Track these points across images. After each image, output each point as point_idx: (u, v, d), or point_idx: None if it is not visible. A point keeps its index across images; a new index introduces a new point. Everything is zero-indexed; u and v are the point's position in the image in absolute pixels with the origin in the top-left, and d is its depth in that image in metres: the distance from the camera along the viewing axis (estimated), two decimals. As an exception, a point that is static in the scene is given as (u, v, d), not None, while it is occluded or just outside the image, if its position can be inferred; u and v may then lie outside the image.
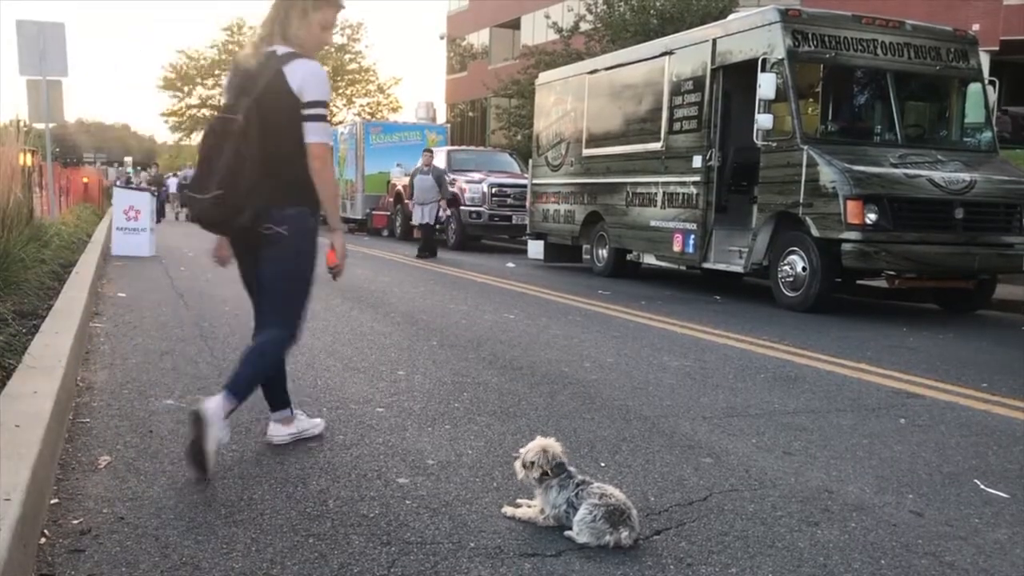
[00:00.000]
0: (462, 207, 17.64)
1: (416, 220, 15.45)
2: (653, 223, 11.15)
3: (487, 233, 18.52)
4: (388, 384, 4.93)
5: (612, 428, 4.16)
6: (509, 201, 17.44)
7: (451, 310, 8.29)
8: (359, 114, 45.62)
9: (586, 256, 12.76)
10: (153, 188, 20.94)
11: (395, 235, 20.72)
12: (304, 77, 3.29)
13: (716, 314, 8.64)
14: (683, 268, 11.95)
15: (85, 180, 28.62)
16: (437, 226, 15.85)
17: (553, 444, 2.97)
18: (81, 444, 3.58)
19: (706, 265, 10.37)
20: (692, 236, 10.41)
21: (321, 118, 3.33)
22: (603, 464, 3.59)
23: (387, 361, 5.59)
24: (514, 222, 17.18)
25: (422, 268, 13.23)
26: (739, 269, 9.89)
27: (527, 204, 15.01)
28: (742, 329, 7.48)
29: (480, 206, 17.48)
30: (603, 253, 12.57)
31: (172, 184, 33.49)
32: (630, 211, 11.69)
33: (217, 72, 48.01)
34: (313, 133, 3.33)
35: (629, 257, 12.15)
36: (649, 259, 11.76)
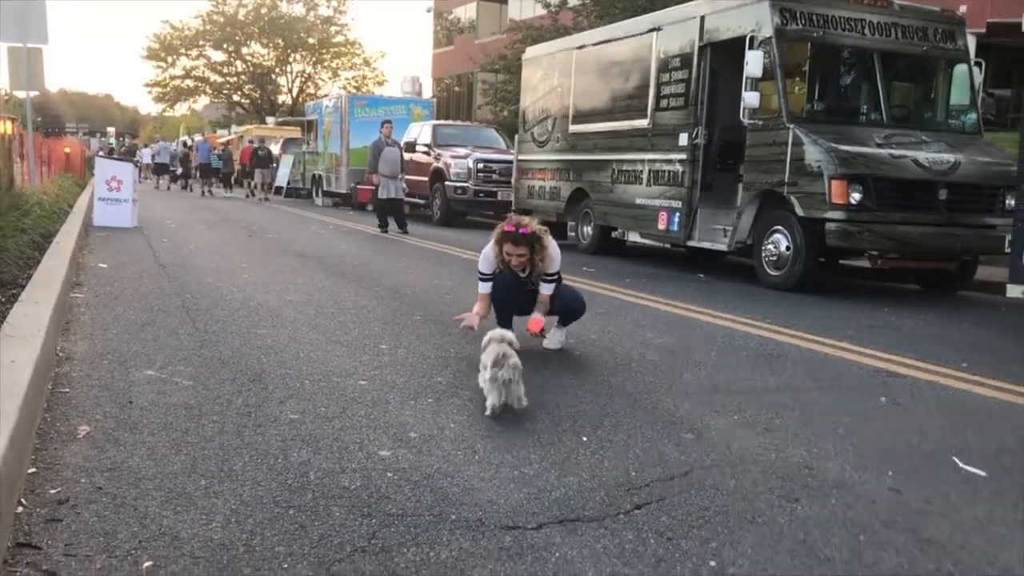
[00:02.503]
0: (447, 182, 17.52)
1: (384, 194, 15.19)
2: (638, 200, 11.14)
3: (472, 209, 18.42)
4: (371, 358, 4.91)
5: (595, 403, 4.16)
6: (494, 177, 17.33)
7: (435, 285, 8.26)
8: (344, 87, 45.30)
9: (571, 233, 12.72)
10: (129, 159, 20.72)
11: None
12: None
13: (700, 292, 8.65)
14: (668, 246, 11.94)
15: (67, 150, 28.33)
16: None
17: (514, 356, 3.83)
18: (60, 414, 3.55)
19: (691, 243, 10.37)
20: (677, 214, 10.41)
21: None
22: (585, 439, 3.59)
23: (370, 335, 5.58)
24: (499, 198, 17.05)
25: (407, 243, 13.17)
26: (723, 247, 9.89)
27: (512, 180, 14.97)
28: (726, 307, 7.49)
29: (465, 181, 17.36)
30: (588, 230, 12.54)
31: (146, 155, 33.20)
32: (616, 188, 11.67)
33: (201, 43, 47.52)
34: None
35: (614, 235, 12.14)
36: (634, 237, 11.76)
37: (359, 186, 22.42)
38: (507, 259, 4.90)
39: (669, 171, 10.56)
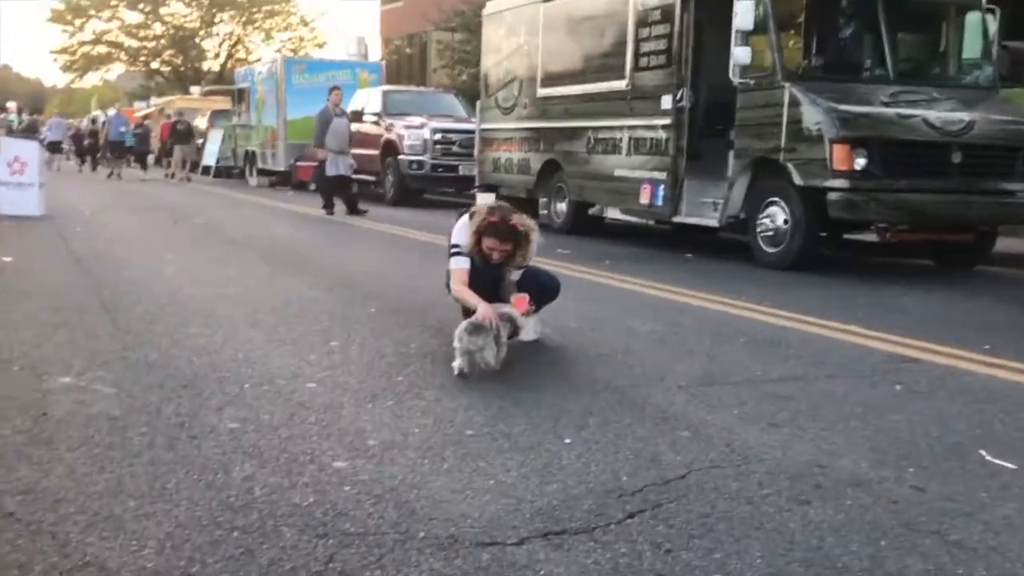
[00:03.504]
0: (400, 156, 17.44)
1: (331, 171, 15.01)
2: (618, 172, 11.17)
3: (430, 186, 18.36)
4: (320, 357, 4.89)
5: (577, 401, 4.16)
6: (454, 149, 17.28)
7: (391, 272, 8.23)
8: (279, 51, 44.96)
9: (543, 211, 12.73)
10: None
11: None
12: None
13: (689, 273, 8.66)
14: (651, 223, 11.98)
15: (-42, 129, 27.86)
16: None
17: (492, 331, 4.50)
18: (-38, 430, 3.48)
19: (677, 219, 10.41)
20: (661, 187, 10.44)
21: None
22: (568, 440, 3.59)
23: (318, 331, 5.56)
24: (460, 173, 17.01)
25: (356, 227, 13.14)
26: (713, 223, 9.94)
27: (475, 152, 14.91)
28: (718, 289, 7.54)
29: (421, 155, 17.29)
30: (562, 207, 12.58)
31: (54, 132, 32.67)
32: (592, 159, 11.68)
33: (114, 2, 46.88)
34: None
35: (591, 211, 12.13)
36: (613, 213, 11.74)
37: (299, 163, 22.24)
38: (485, 252, 4.94)
39: (651, 138, 10.58)
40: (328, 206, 14.99)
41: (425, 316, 6.09)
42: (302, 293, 6.96)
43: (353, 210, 14.97)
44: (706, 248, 10.88)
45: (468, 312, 4.97)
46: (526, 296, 5.03)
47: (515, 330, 4.81)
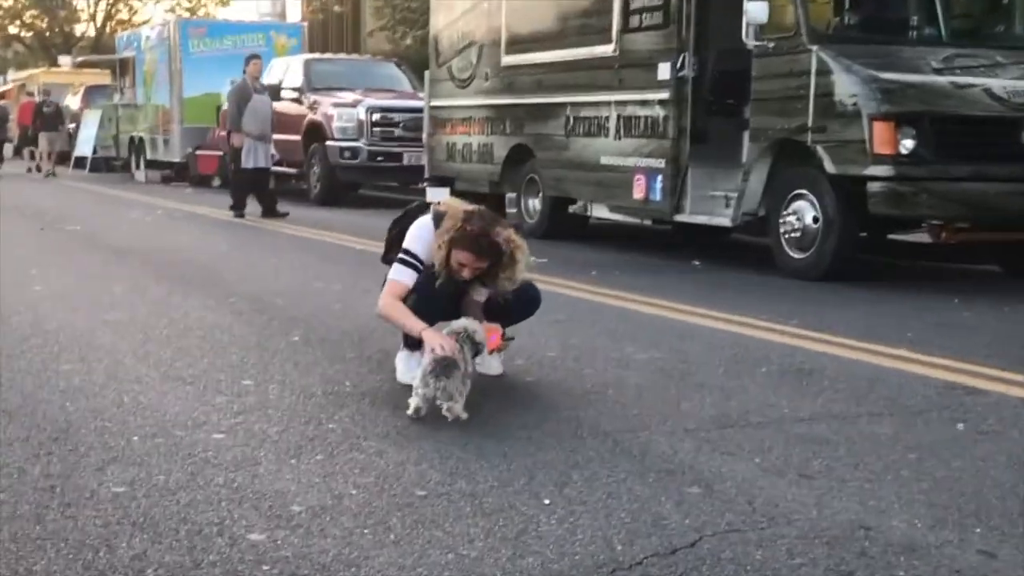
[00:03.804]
0: (329, 143, 17.40)
1: (249, 162, 14.94)
2: (605, 160, 11.14)
3: (366, 180, 18.31)
4: (230, 399, 4.86)
5: (559, 449, 4.14)
6: (398, 132, 17.30)
7: (320, 291, 8.20)
8: (172, 10, 44.69)
9: (511, 208, 12.72)
10: None
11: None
12: None
13: (696, 285, 8.65)
14: (648, 222, 11.97)
15: None
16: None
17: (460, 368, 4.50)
18: None
19: (680, 218, 10.38)
20: (659, 177, 10.41)
21: None
22: (547, 501, 3.57)
23: (227, 366, 5.52)
24: (405, 162, 17.03)
25: (273, 232, 13.10)
26: (725, 222, 9.93)
27: (424, 137, 14.86)
28: (734, 306, 7.53)
29: (355, 140, 17.27)
30: (535, 204, 12.56)
31: None
32: (572, 144, 11.65)
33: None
34: None
35: (572, 209, 12.09)
36: (600, 211, 11.72)
37: (199, 152, 22.14)
38: (454, 266, 4.87)
39: (646, 117, 10.57)
40: (239, 207, 14.92)
41: (364, 346, 6.04)
42: (206, 318, 6.90)
43: (270, 212, 14.93)
44: (717, 254, 10.82)
45: (412, 339, 4.95)
46: (499, 328, 5.02)
47: (476, 350, 4.77)
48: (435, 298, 4.93)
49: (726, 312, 7.29)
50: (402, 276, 4.97)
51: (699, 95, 10.37)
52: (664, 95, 10.31)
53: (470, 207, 5.00)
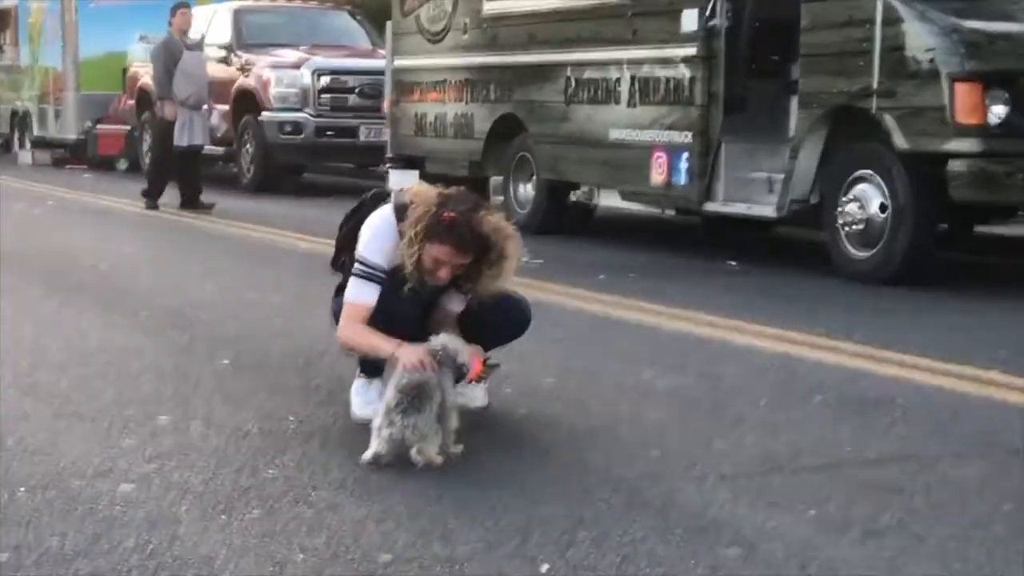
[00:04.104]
0: (264, 115, 17.34)
1: (184, 140, 14.92)
2: (615, 134, 11.12)
3: (313, 161, 18.25)
4: (141, 441, 4.82)
5: (561, 502, 4.12)
6: (352, 101, 17.32)
7: (254, 303, 8.20)
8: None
9: (497, 197, 12.68)
10: None
11: (142, 168, 19.93)
12: None
13: (732, 292, 8.61)
14: (670, 213, 11.97)
15: None
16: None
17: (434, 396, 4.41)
18: None
19: (711, 207, 10.38)
20: (685, 155, 10.38)
21: None
22: (545, 568, 3.54)
23: (138, 399, 5.48)
24: (362, 139, 17.04)
25: (198, 228, 13.07)
26: (769, 211, 9.91)
27: (385, 106, 14.81)
28: (779, 318, 7.50)
29: (298, 110, 17.24)
30: (527, 190, 12.55)
31: None
32: (573, 113, 11.62)
33: None
34: None
35: (574, 196, 12.08)
36: (609, 199, 11.74)
37: (101, 127, 22.02)
38: (428, 264, 4.80)
39: (667, 79, 10.53)
40: (153, 195, 14.88)
41: (309, 372, 6.03)
42: (110, 338, 6.86)
43: (192, 202, 14.85)
44: (757, 252, 10.80)
45: (371, 363, 4.95)
46: (479, 350, 4.96)
47: (458, 374, 4.73)
48: (401, 310, 4.88)
49: (770, 326, 7.27)
50: (361, 295, 4.93)
51: (735, 51, 10.32)
52: (690, 51, 10.29)
53: (445, 190, 4.95)
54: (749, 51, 10.56)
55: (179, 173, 15.10)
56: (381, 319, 4.87)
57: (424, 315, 5.01)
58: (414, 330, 4.90)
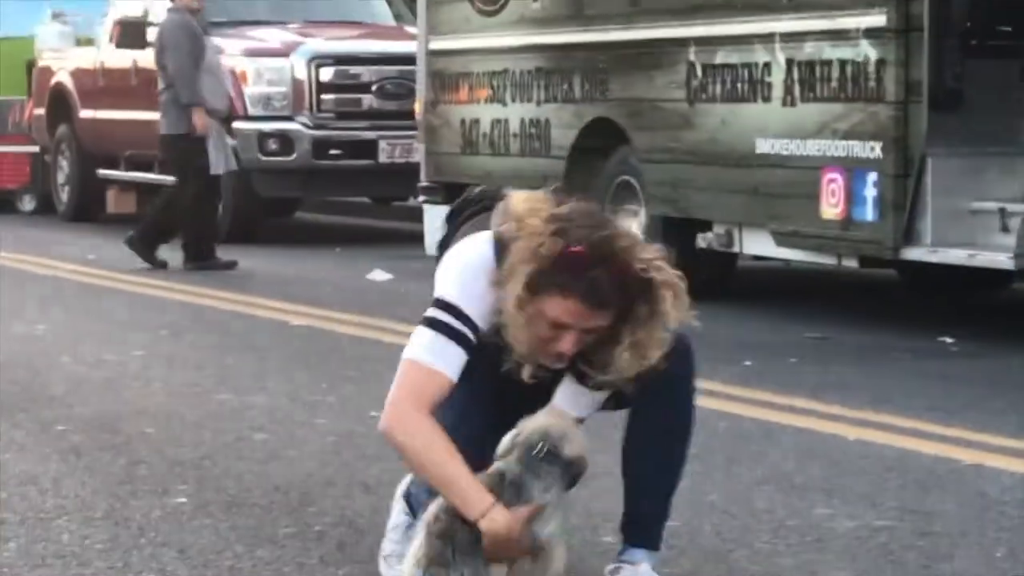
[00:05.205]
0: (238, 124, 15.66)
1: (221, 166, 13.74)
2: (764, 147, 10.24)
3: (310, 193, 17.06)
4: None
5: None
6: (368, 103, 16.02)
7: (227, 409, 7.53)
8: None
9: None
10: None
11: (57, 209, 19.66)
12: None
13: (949, 386, 8.08)
14: (850, 264, 10.74)
15: None
16: None
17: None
18: None
19: (912, 254, 9.50)
20: (872, 177, 9.40)
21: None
22: None
23: (55, 554, 4.82)
24: (383, 159, 15.71)
25: (137, 296, 12.41)
26: (1003, 261, 9.06)
27: (417, 109, 13.51)
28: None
29: (288, 117, 15.92)
30: (633, 230, 11.12)
31: None
32: (700, 117, 10.80)
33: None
34: None
35: (704, 241, 11.11)
36: (758, 243, 10.80)
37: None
38: (542, 332, 3.88)
39: (843, 63, 9.64)
40: (206, 251, 13.90)
41: (306, 513, 5.34)
42: (12, 464, 6.24)
43: (205, 256, 13.54)
44: (988, 323, 10.57)
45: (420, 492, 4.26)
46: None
47: (571, 474, 3.99)
48: (479, 411, 4.11)
49: (1012, 436, 6.59)
50: (434, 355, 3.96)
51: (944, 20, 9.47)
52: (878, 20, 9.43)
53: (556, 205, 3.94)
54: (966, 20, 9.73)
55: (193, 220, 14.01)
56: (448, 416, 3.95)
57: (514, 419, 4.02)
58: (487, 447, 4.02)
